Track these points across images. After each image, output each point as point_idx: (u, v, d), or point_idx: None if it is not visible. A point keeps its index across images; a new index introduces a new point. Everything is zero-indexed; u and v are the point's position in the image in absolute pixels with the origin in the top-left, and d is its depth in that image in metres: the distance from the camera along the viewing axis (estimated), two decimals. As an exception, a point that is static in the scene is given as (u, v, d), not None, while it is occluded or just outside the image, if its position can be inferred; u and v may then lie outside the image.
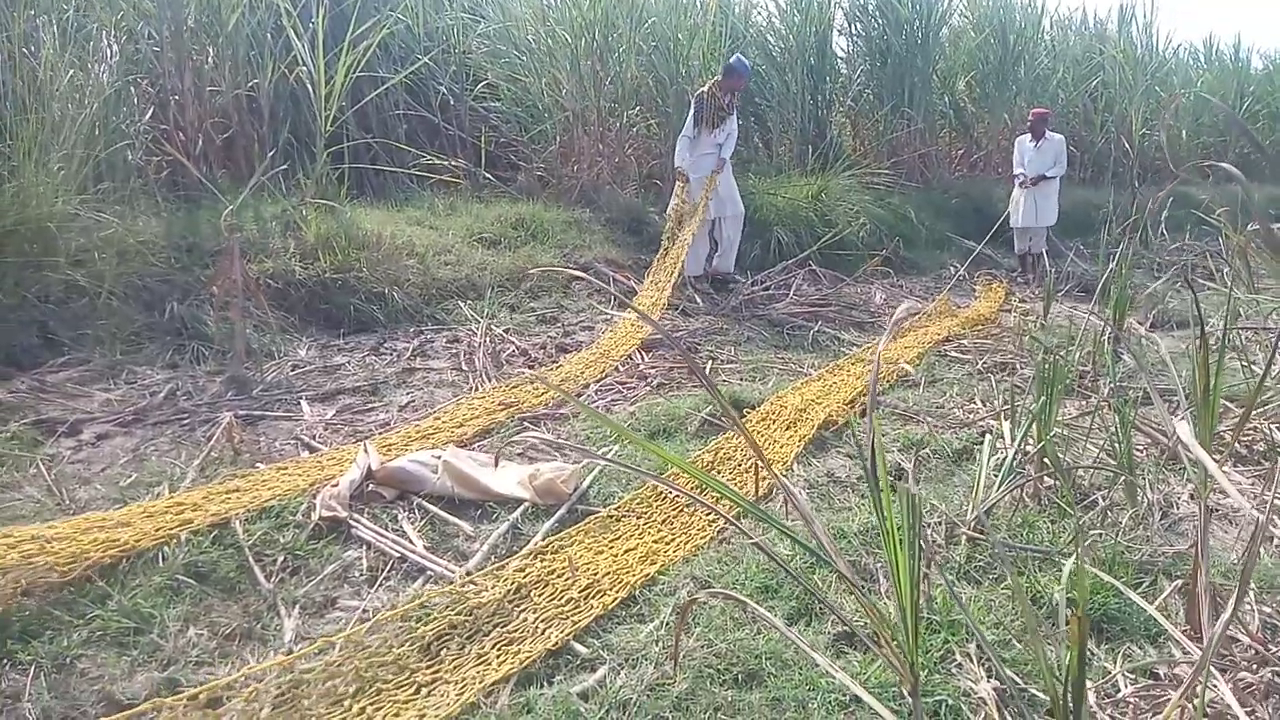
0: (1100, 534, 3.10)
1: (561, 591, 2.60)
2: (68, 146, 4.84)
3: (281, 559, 2.71)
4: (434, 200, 7.44)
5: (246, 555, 2.67)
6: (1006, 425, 3.99)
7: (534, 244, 6.90)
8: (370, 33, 6.55)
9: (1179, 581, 2.78)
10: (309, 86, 6.51)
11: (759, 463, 3.71)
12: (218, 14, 6.50)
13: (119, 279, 4.67)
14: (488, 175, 8.42)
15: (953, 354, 5.74)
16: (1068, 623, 1.53)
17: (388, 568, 2.76)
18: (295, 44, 6.39)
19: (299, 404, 4.08)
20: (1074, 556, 1.80)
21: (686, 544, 3.01)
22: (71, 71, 5.06)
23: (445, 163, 8.07)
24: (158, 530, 2.70)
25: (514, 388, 4.43)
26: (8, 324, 4.22)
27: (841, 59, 11.21)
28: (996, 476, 3.34)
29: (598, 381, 4.72)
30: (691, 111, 6.88)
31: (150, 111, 6.21)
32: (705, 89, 6.95)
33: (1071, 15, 13.88)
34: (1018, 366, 5.41)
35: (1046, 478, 3.40)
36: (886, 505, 1.56)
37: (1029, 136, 8.48)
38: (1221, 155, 15.42)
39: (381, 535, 2.87)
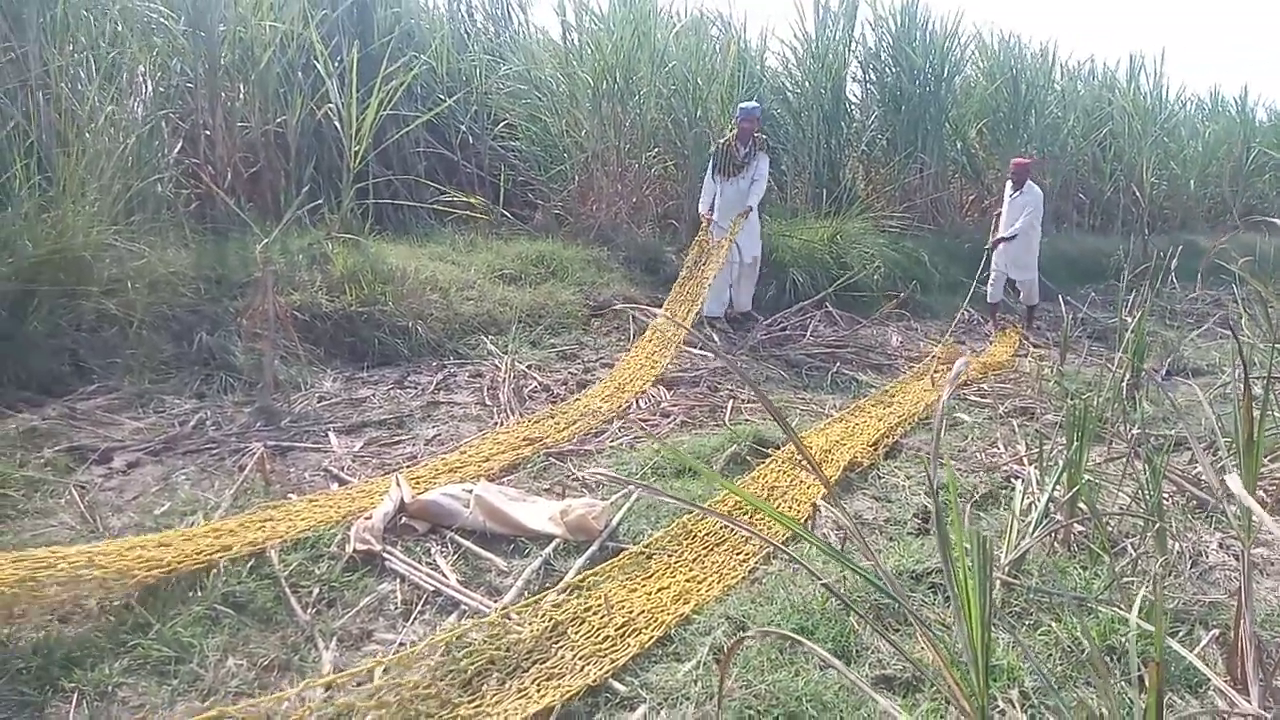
0: (1133, 581, 3.09)
1: (598, 629, 2.60)
2: (104, 179, 4.92)
3: (317, 590, 2.72)
4: (455, 236, 7.53)
5: (283, 586, 2.67)
6: (1033, 470, 4.00)
7: (554, 281, 6.96)
8: (398, 73, 6.68)
9: (1215, 630, 2.77)
10: (336, 124, 6.64)
11: (818, 479, 3.72)
12: (250, 52, 6.63)
13: (149, 309, 4.73)
14: (506, 213, 8.52)
15: (972, 398, 5.75)
16: (1141, 670, 1.53)
17: (422, 601, 2.75)
18: (327, 82, 6.52)
19: (327, 436, 4.10)
20: (1139, 598, 1.79)
21: (719, 583, 3.01)
22: (110, 108, 5.16)
23: (466, 199, 8.16)
24: (198, 553, 2.71)
25: (537, 422, 4.46)
26: (41, 351, 4.26)
27: (855, 105, 11.37)
28: (1026, 521, 3.35)
29: (620, 417, 4.74)
30: (710, 163, 7.16)
31: (180, 145, 6.32)
32: (724, 139, 7.13)
33: (1081, 65, 14.01)
34: (1038, 412, 5.42)
35: (1077, 524, 3.39)
36: (958, 544, 1.56)
37: (1010, 184, 8.15)
38: (1229, 206, 15.56)
39: (415, 569, 2.87)
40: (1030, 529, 3.20)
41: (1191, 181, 14.61)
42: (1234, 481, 1.84)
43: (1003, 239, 7.98)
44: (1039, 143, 12.32)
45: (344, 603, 2.70)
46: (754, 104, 7.37)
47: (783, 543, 3.40)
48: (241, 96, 6.79)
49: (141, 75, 6.03)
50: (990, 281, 8.17)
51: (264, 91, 6.86)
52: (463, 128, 8.86)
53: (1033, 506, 3.48)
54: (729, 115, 8.95)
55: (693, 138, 8.70)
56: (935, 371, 6.32)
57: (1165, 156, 13.98)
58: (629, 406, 4.95)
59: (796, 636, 1.84)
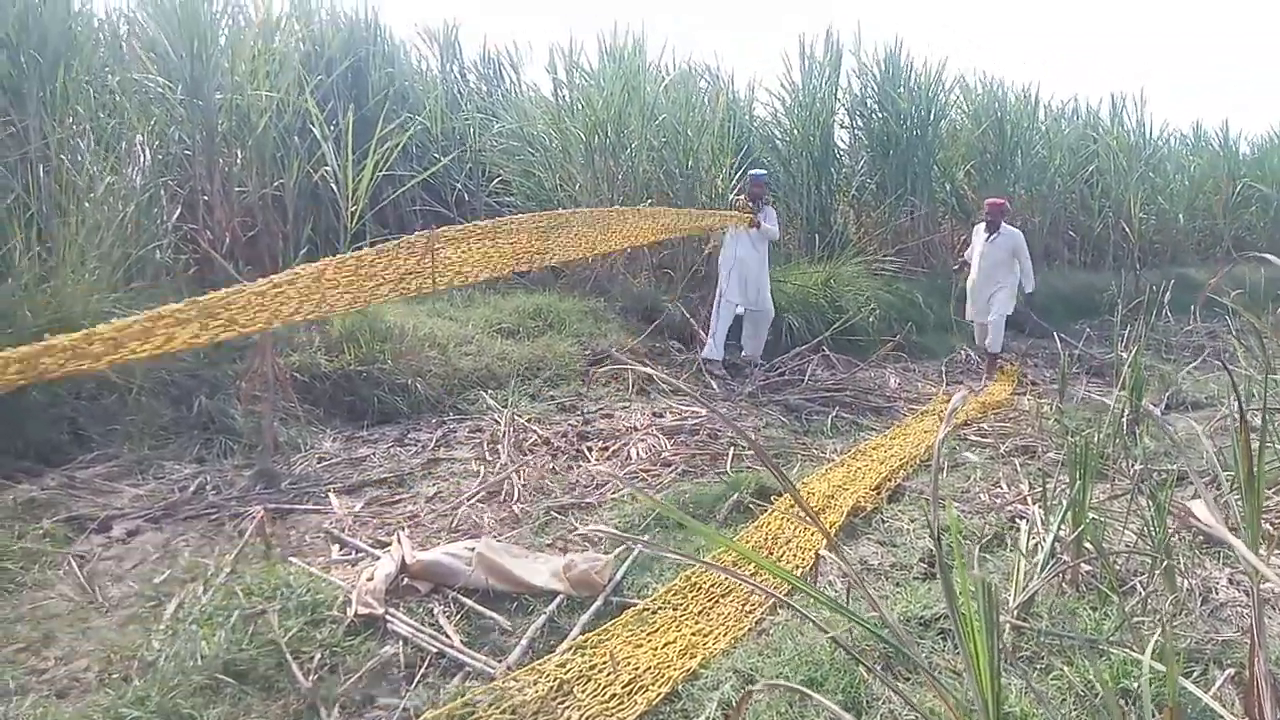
0: (1143, 621, 3.05)
1: (604, 687, 2.56)
2: (103, 247, 4.97)
3: (319, 656, 2.68)
4: (452, 293, 7.57)
5: (284, 652, 2.64)
6: (1038, 509, 3.98)
7: (551, 333, 6.99)
8: (393, 135, 6.79)
9: (1230, 670, 2.73)
10: (333, 185, 6.72)
11: (820, 533, 3.69)
12: (247, 119, 6.75)
13: (148, 375, 4.73)
14: (503, 267, 8.59)
15: (973, 437, 5.74)
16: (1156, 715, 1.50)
17: (425, 664, 2.72)
18: (323, 145, 6.62)
19: (327, 497, 4.08)
20: (1152, 640, 1.77)
21: (725, 635, 2.97)
22: (109, 177, 5.23)
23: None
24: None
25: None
26: (40, 420, 4.26)
27: (844, 150, 11.54)
28: (1033, 561, 3.32)
29: (624, 470, 4.73)
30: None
31: (179, 211, 6.39)
32: (737, 199, 7.98)
33: (1065, 105, 14.23)
34: (1040, 450, 5.40)
35: (1084, 563, 3.36)
36: (963, 591, 1.55)
37: (984, 226, 7.84)
38: (1217, 239, 15.71)
39: (418, 630, 2.84)
40: (1037, 570, 3.17)
41: (1180, 215, 14.78)
42: (1199, 508, 1.83)
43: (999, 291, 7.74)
44: (1026, 182, 12.49)
45: (346, 668, 2.66)
46: (763, 171, 8.13)
47: (788, 593, 3.38)
48: (239, 162, 6.89)
49: (140, 144, 6.12)
50: (976, 334, 8.14)
51: (261, 156, 6.97)
52: (458, 185, 8.98)
53: (1039, 547, 3.47)
54: (720, 165, 9.09)
55: (684, 188, 8.81)
56: (938, 412, 6.33)
57: (1153, 191, 14.15)
58: (625, 452, 4.98)
59: (805, 690, 1.82)
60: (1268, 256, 2.05)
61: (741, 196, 7.78)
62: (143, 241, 5.53)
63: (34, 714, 2.34)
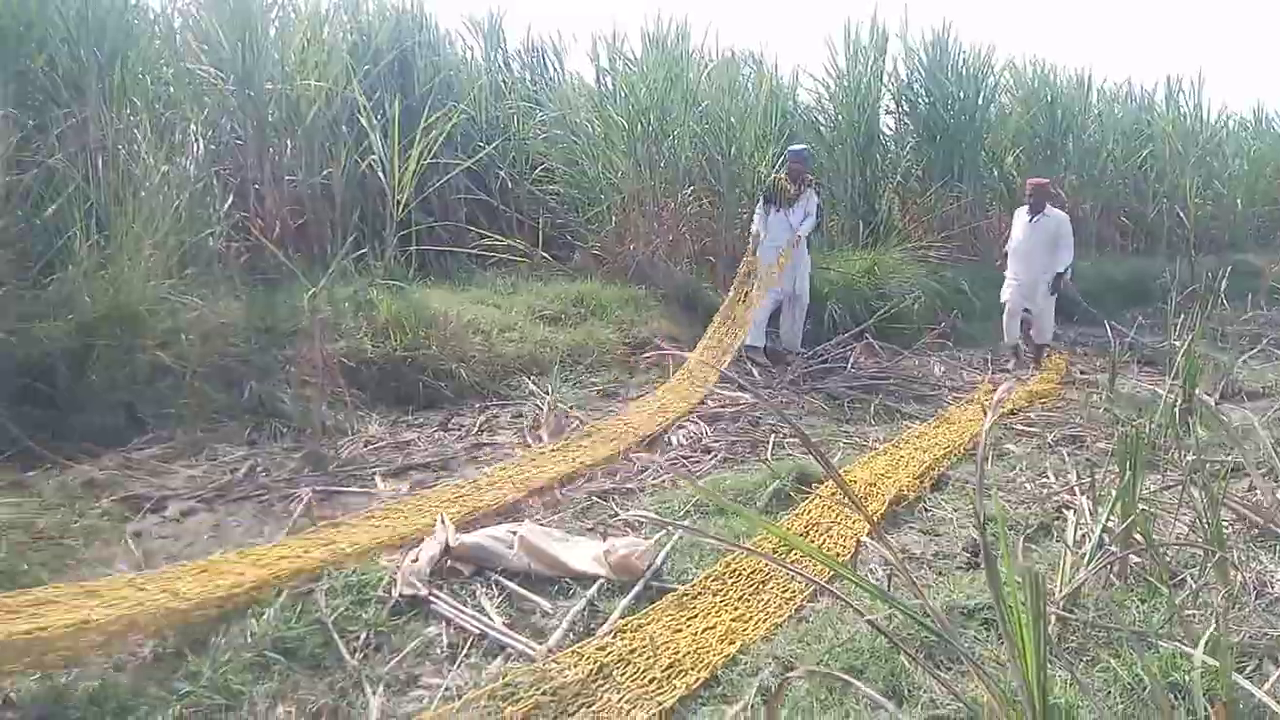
0: (1194, 615, 2.99)
1: (644, 670, 2.58)
2: (158, 235, 5.10)
3: (364, 635, 2.74)
4: (496, 280, 7.65)
5: (331, 631, 2.70)
6: (1085, 500, 3.91)
7: (593, 320, 7.02)
8: (438, 124, 6.86)
9: (1287, 666, 2.66)
10: (380, 174, 6.83)
11: (863, 520, 3.67)
12: (296, 109, 6.86)
13: (202, 359, 4.86)
14: (545, 255, 8.64)
15: (1019, 427, 5.65)
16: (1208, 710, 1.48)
17: (468, 645, 2.76)
18: (370, 135, 6.72)
19: (373, 479, 4.16)
20: (1206, 634, 1.74)
21: (765, 622, 2.98)
22: (165, 167, 5.36)
23: (506, 243, 8.30)
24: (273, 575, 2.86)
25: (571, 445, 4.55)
26: (99, 404, 4.40)
27: (889, 136, 11.38)
28: (1080, 553, 3.27)
29: (661, 452, 4.75)
30: (761, 196, 7.52)
31: (231, 200, 6.54)
32: (774, 177, 7.52)
33: (1118, 89, 13.84)
34: (1089, 440, 5.30)
35: (1133, 555, 3.29)
36: (1009, 580, 1.54)
37: (1027, 209, 7.37)
38: (1277, 224, 15.20)
39: (461, 611, 2.89)
40: (1084, 561, 3.12)
41: (1238, 200, 14.32)
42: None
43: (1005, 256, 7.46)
44: (1078, 167, 12.20)
45: (391, 647, 2.72)
46: (802, 146, 7.77)
47: (829, 580, 3.37)
48: (288, 151, 7.02)
49: (194, 134, 6.27)
50: (1005, 319, 7.55)
51: (310, 146, 7.09)
52: (501, 173, 9.03)
53: (1086, 538, 3.41)
54: (763, 151, 9.03)
55: (728, 175, 8.77)
56: (983, 400, 6.23)
57: (1209, 176, 13.72)
58: (666, 439, 4.99)
59: (846, 677, 1.82)
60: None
61: (779, 175, 7.50)
62: (196, 229, 5.66)
63: (91, 686, 2.43)
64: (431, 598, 2.93)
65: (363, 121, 6.67)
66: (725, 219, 8.83)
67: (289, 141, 7.00)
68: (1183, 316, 6.95)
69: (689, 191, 8.87)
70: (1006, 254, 7.69)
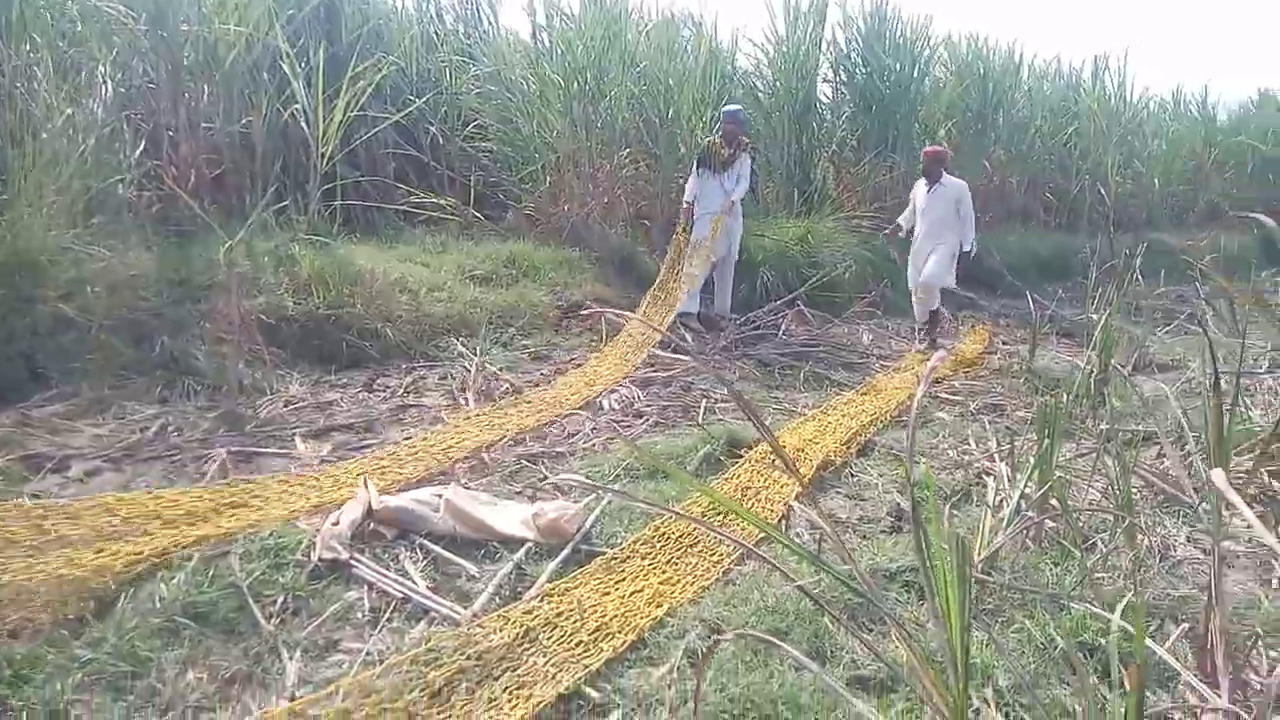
0: (1104, 578, 3.10)
1: (571, 634, 2.56)
2: (61, 181, 4.80)
3: (281, 599, 2.65)
4: (425, 238, 7.45)
5: (245, 595, 2.60)
6: (1005, 466, 4.02)
7: (525, 281, 6.91)
8: (366, 74, 6.60)
9: (1185, 625, 2.78)
10: (303, 125, 6.54)
11: (792, 478, 3.69)
12: (214, 52, 6.51)
13: (109, 313, 4.61)
14: (477, 214, 8.45)
15: (943, 395, 5.77)
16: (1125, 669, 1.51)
17: (390, 609, 2.70)
18: (292, 83, 6.42)
19: (293, 440, 4.02)
20: (1123, 600, 1.78)
21: (692, 585, 2.98)
22: (68, 109, 5.03)
23: (436, 200, 8.08)
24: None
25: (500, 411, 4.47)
26: (-5, 357, 4.15)
27: (826, 105, 11.41)
28: (999, 517, 3.35)
29: (592, 418, 4.71)
30: (695, 160, 7.41)
31: (143, 147, 6.19)
32: (709, 140, 7.43)
33: (1048, 65, 14.13)
34: (1009, 408, 5.45)
35: (1049, 520, 3.39)
36: (937, 544, 1.54)
37: (924, 180, 7.14)
38: (1191, 203, 15.80)
39: (384, 575, 2.81)
40: (1004, 526, 3.20)
41: (1156, 180, 14.82)
42: (1219, 476, 1.84)
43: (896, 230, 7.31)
44: (1007, 141, 12.45)
45: (309, 611, 2.63)
46: (737, 107, 7.66)
47: (756, 543, 3.39)
48: (205, 97, 6.66)
49: (101, 75, 5.90)
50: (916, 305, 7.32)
51: (229, 92, 6.73)
52: (432, 129, 8.76)
53: (1005, 503, 3.50)
54: (700, 115, 8.96)
55: (665, 137, 8.69)
56: (910, 369, 6.35)
57: (1130, 155, 14.16)
58: (598, 402, 4.94)
59: (770, 639, 1.82)
60: (1260, 217, 2.03)
61: (714, 138, 7.42)
62: (103, 176, 5.35)
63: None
64: (353, 561, 2.85)
65: (285, 69, 6.37)
66: (662, 182, 8.76)
67: (206, 87, 6.64)
68: (1101, 291, 7.19)
69: (625, 154, 8.75)
70: (896, 224, 7.53)
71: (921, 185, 7.16)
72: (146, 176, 6.12)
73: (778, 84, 10.39)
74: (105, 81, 5.84)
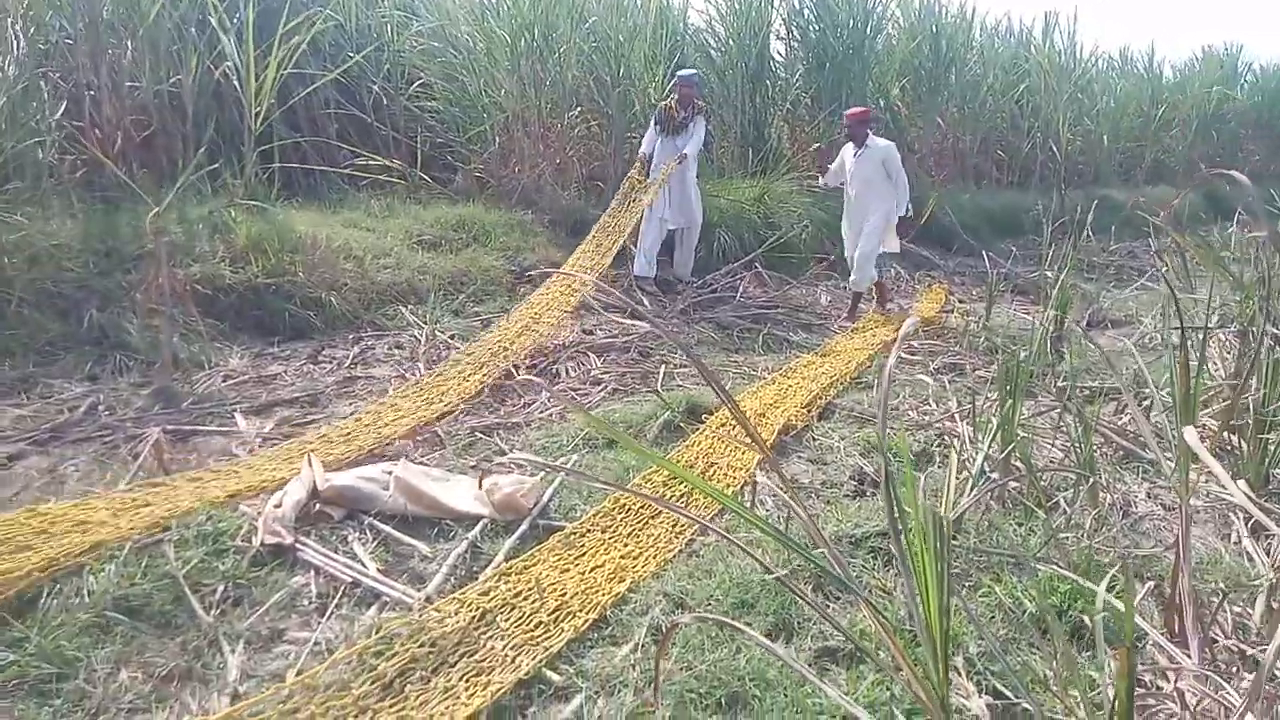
0: (1068, 538, 3.08)
1: (530, 615, 2.45)
2: (-30, 143, 4.48)
3: (221, 589, 2.50)
4: (369, 201, 7.18)
5: (182, 586, 2.45)
6: (966, 426, 3.98)
7: (476, 246, 6.70)
8: (300, 29, 6.27)
9: (1151, 584, 2.77)
10: (236, 83, 6.21)
11: (754, 451, 3.61)
12: (136, 6, 6.12)
13: (31, 285, 4.34)
14: (424, 176, 8.17)
15: (902, 355, 5.74)
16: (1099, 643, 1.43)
17: (339, 594, 2.56)
18: (222, 39, 6.08)
19: (233, 417, 3.83)
20: (1109, 577, 1.72)
21: (655, 558, 2.89)
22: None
23: (380, 162, 7.79)
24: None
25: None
26: (-96, 335, 3.87)
27: (779, 63, 11.24)
28: (962, 477, 3.31)
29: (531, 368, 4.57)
30: (653, 119, 7.28)
31: (64, 108, 5.83)
32: (665, 102, 7.31)
33: (999, 23, 14.12)
34: (968, 368, 5.43)
35: (1012, 481, 3.37)
36: (913, 512, 1.45)
37: (851, 144, 6.76)
38: (1139, 160, 16.01)
39: (331, 559, 2.67)
40: (968, 488, 3.16)
41: (1105, 137, 14.95)
42: (1190, 435, 1.78)
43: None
44: (959, 100, 12.42)
45: (252, 600, 2.49)
46: (693, 71, 7.61)
47: (716, 515, 3.31)
48: (130, 54, 6.28)
49: (12, 30, 5.51)
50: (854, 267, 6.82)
51: (155, 49, 6.36)
52: (375, 87, 8.42)
53: (968, 464, 3.46)
54: (653, 73, 8.74)
55: (616, 96, 8.45)
56: (868, 330, 6.31)
57: (1080, 113, 14.24)
58: (554, 369, 4.82)
59: (731, 623, 1.73)
60: (1233, 174, 1.96)
61: (669, 100, 7.28)
62: (20, 138, 5.01)
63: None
64: (297, 545, 2.70)
65: (214, 24, 6.02)
66: (614, 142, 8.55)
67: (129, 43, 6.26)
68: (1054, 248, 7.22)
69: (576, 113, 8.52)
70: (824, 182, 7.28)
71: (849, 149, 6.78)
72: (68, 139, 5.76)
73: (730, 42, 10.19)
74: (17, 36, 5.45)
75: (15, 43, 5.43)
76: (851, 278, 6.88)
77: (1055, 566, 2.74)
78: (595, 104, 8.70)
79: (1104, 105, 15.11)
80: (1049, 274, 7.70)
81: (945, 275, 8.92)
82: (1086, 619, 2.53)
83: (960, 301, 7.76)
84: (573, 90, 8.39)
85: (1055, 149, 13.34)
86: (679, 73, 7.46)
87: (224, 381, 4.24)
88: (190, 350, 4.43)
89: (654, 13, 9.19)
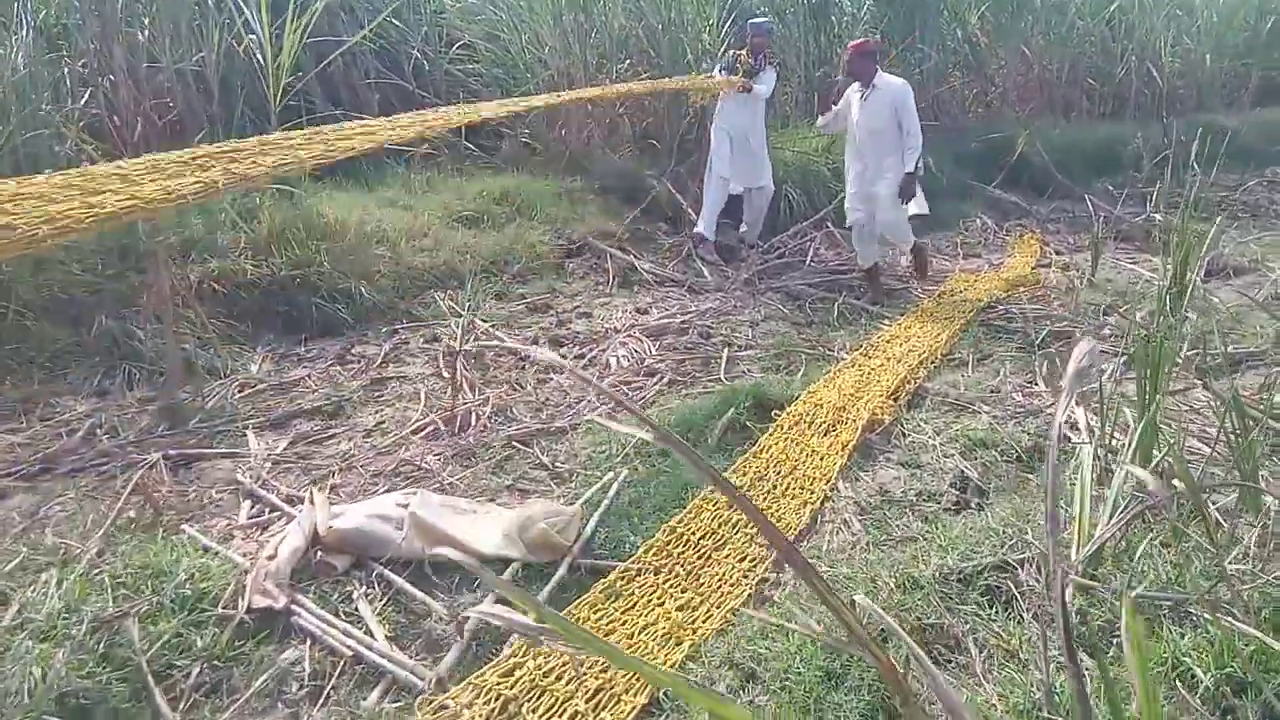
0: (1238, 571, 2.45)
1: (562, 703, 1.98)
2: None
3: (196, 672, 2.09)
4: (409, 176, 6.73)
5: (146, 675, 2.04)
6: (1085, 414, 3.33)
7: (521, 220, 6.19)
8: (325, -6, 5.81)
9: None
10: (260, 56, 5.80)
11: (831, 455, 3.06)
12: (151, -18, 5.75)
13: (36, 292, 4.02)
14: (469, 145, 7.69)
15: (997, 323, 5.07)
16: None
17: (337, 672, 2.13)
18: (244, 9, 5.66)
19: (245, 435, 3.44)
20: None
21: (719, 607, 2.39)
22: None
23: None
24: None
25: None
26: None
27: (845, -3, 10.36)
28: (1099, 493, 2.70)
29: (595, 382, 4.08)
30: (718, 65, 6.77)
31: (85, 97, 5.51)
32: (734, 52, 6.73)
33: (1085, -66, 12.84)
34: (1077, 334, 4.74)
35: (1165, 500, 2.73)
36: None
37: (856, 85, 5.60)
38: (1245, 80, 14.53)
39: (330, 626, 2.24)
40: (1111, 511, 2.55)
41: (1207, 56, 13.57)
42: None
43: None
44: (1044, 26, 11.34)
45: (230, 687, 2.07)
46: (766, 19, 7.15)
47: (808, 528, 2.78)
48: (146, 33, 5.91)
49: (19, 14, 5.18)
50: (855, 241, 5.78)
51: (175, 26, 5.98)
52: (415, 52, 7.95)
53: (1102, 470, 2.85)
54: (705, 18, 8.04)
55: (668, 45, 7.80)
56: (957, 291, 5.62)
57: (1179, 31, 12.93)
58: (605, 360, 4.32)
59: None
60: None
61: (741, 50, 6.54)
62: (27, 128, 4.69)
63: None
64: (292, 609, 2.28)
65: (233, -7, 5.60)
66: (667, 97, 7.90)
67: (146, 21, 5.89)
68: (1158, 185, 6.37)
69: (625, 66, 7.88)
70: (831, 102, 5.87)
71: (854, 91, 5.61)
72: (85, 129, 5.43)
73: (789, -25, 9.38)
74: (21, 19, 5.11)
75: (23, 25, 5.10)
76: (891, 236, 5.77)
77: (1233, 620, 2.13)
78: (645, 54, 8.04)
79: (1205, 20, 13.70)
80: (1157, 216, 6.86)
81: (1038, 223, 8.07)
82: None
83: (1057, 253, 6.95)
84: (620, 41, 7.77)
85: (1155, 71, 12.10)
86: (751, 21, 6.86)
87: (239, 392, 3.85)
88: (206, 356, 4.05)
89: (706, -51, 8.44)
